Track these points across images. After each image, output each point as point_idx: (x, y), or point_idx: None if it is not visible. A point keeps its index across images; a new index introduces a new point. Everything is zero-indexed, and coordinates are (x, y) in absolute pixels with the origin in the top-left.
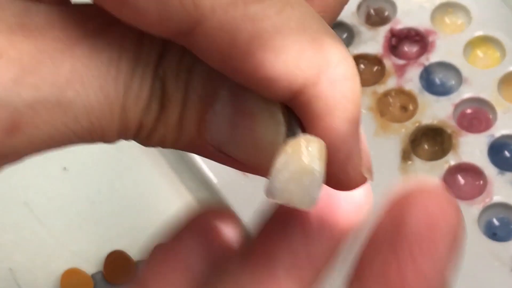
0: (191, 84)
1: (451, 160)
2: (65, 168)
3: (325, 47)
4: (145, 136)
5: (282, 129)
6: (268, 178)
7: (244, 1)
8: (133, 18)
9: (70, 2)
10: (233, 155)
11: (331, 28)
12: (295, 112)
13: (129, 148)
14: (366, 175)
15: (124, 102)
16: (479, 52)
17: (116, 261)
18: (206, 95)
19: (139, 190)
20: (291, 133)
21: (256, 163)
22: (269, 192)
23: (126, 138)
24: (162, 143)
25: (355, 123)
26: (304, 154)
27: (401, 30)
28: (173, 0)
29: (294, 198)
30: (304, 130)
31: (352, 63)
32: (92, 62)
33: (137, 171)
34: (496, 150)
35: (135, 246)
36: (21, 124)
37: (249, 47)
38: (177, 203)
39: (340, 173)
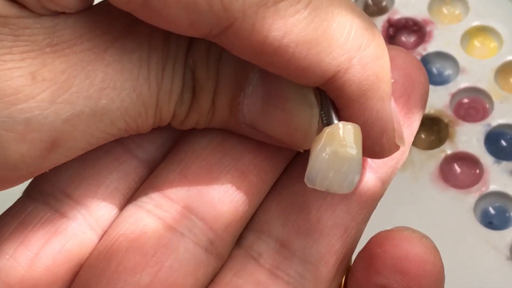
0: (221, 71)
1: (447, 149)
2: None
3: (355, 31)
4: (179, 123)
5: (316, 110)
6: (306, 166)
7: (274, 0)
8: (164, 25)
9: (92, 4)
10: (267, 132)
11: (358, 7)
12: (328, 95)
13: None
14: (399, 143)
15: (157, 99)
16: (476, 42)
17: None
18: (237, 80)
19: None
20: (325, 114)
21: (289, 140)
22: (309, 180)
23: (160, 126)
24: (196, 126)
25: (388, 99)
26: (341, 141)
27: (399, 20)
28: (203, 6)
29: (334, 185)
30: (337, 110)
31: (381, 40)
32: (123, 65)
33: None
34: (492, 139)
35: None
36: (60, 140)
37: (281, 43)
38: None
39: (375, 146)
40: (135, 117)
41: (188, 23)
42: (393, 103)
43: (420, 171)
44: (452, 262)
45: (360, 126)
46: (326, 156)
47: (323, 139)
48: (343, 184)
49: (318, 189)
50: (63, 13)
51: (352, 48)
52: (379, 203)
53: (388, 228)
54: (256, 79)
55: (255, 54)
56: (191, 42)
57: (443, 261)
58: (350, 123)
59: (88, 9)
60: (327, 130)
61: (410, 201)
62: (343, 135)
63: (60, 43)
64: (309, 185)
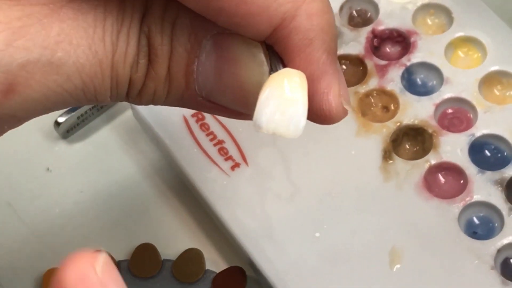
0: (175, 37)
1: (432, 159)
2: (48, 169)
3: None
4: (137, 93)
5: (265, 69)
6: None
7: None
8: None
9: None
10: (222, 103)
11: None
12: (276, 51)
13: (111, 148)
14: (346, 106)
15: (112, 60)
16: (460, 53)
17: None
18: (191, 46)
19: (122, 191)
20: (274, 72)
21: (244, 107)
22: (256, 124)
23: (119, 97)
24: (153, 99)
25: (333, 54)
26: (286, 85)
27: (383, 31)
28: None
29: (280, 127)
30: (286, 67)
31: (327, 1)
32: (79, 23)
33: (119, 172)
34: (476, 150)
35: (117, 246)
36: (16, 85)
37: None
38: (159, 204)
39: (323, 103)
40: (91, 76)
41: None
42: (339, 66)
43: (404, 181)
44: (436, 271)
45: (307, 78)
46: (272, 100)
47: (268, 84)
48: (289, 126)
49: (265, 132)
50: None
51: None
52: (363, 213)
53: (374, 237)
54: (209, 45)
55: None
56: (146, 10)
57: (428, 271)
58: (296, 70)
59: None
60: (273, 75)
61: (395, 211)
62: (288, 79)
63: None
64: (256, 130)
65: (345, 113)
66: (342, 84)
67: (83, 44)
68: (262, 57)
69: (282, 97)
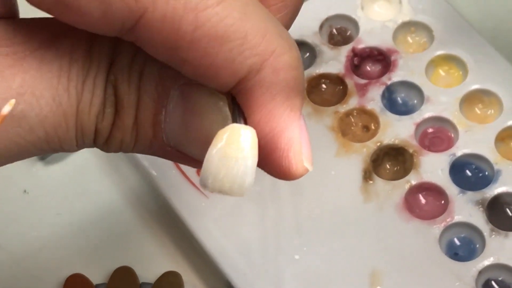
0: (143, 87)
1: (412, 179)
2: (25, 191)
3: (270, 36)
4: (103, 142)
5: (229, 123)
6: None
7: None
8: (77, 20)
9: (17, 16)
10: (189, 153)
11: (274, 18)
12: (239, 104)
13: (89, 170)
14: (306, 165)
15: (77, 110)
16: (441, 71)
17: (76, 285)
18: (158, 96)
19: (100, 213)
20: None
21: None
22: (201, 183)
23: (85, 145)
24: (121, 148)
25: (297, 110)
26: (233, 142)
27: (364, 49)
28: None
29: (224, 186)
30: (246, 120)
31: (297, 53)
32: (42, 74)
33: (98, 194)
34: (457, 169)
35: (94, 270)
36: None
37: (193, 36)
38: (137, 226)
39: (282, 160)
40: (55, 127)
41: (100, 13)
42: (303, 123)
43: (385, 202)
44: None
45: (267, 134)
46: (216, 157)
47: (215, 141)
48: (234, 186)
49: (211, 192)
50: None
51: (265, 51)
52: (343, 235)
53: (354, 259)
54: (177, 96)
55: (170, 49)
56: (113, 59)
57: None
58: (245, 125)
59: (10, 19)
60: (220, 131)
61: (375, 232)
62: (235, 136)
63: None
64: (202, 188)
65: (305, 171)
66: (304, 142)
67: (46, 96)
68: (227, 111)
69: (227, 154)
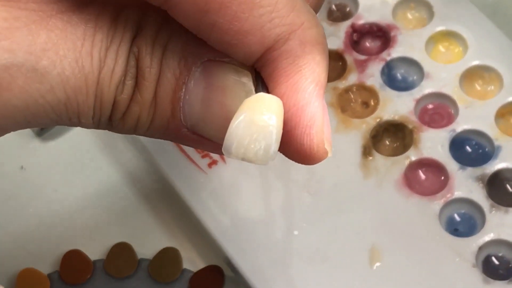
0: (165, 61)
1: (412, 155)
2: (22, 167)
3: (299, 9)
4: (120, 117)
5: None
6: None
7: None
8: None
9: None
10: (206, 135)
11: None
12: (264, 79)
13: (87, 146)
14: (327, 148)
15: (99, 77)
16: (441, 47)
17: (73, 261)
18: (180, 72)
19: (97, 189)
20: None
21: None
22: (225, 149)
23: (102, 119)
24: (137, 125)
25: (322, 87)
26: (259, 109)
27: (363, 25)
28: None
29: (249, 154)
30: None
31: (323, 30)
32: (67, 35)
33: (95, 170)
34: (457, 145)
35: (92, 246)
36: None
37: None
38: (135, 202)
39: (304, 138)
40: (76, 91)
41: None
42: (325, 103)
43: (384, 178)
44: (417, 269)
45: (291, 108)
46: (242, 124)
47: (242, 108)
48: (258, 153)
49: (234, 158)
50: None
51: (294, 22)
52: (342, 211)
53: (354, 235)
54: (199, 72)
55: (200, 12)
56: (138, 31)
57: (408, 269)
58: (271, 94)
59: None
60: (247, 99)
61: (375, 208)
62: (261, 104)
63: None
64: (225, 155)
65: (325, 154)
66: (326, 122)
67: (70, 56)
68: (251, 85)
69: (253, 122)
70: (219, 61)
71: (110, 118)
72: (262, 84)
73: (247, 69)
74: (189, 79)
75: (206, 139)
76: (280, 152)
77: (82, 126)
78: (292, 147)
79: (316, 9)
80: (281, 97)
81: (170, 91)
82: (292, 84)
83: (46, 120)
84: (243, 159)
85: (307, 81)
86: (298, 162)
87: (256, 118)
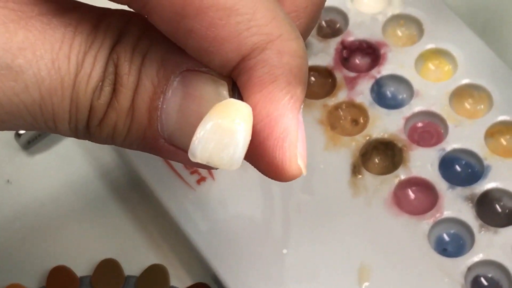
0: (144, 69)
1: (401, 174)
2: (8, 181)
3: (279, 20)
4: (97, 123)
5: None
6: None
7: None
8: None
9: None
10: (182, 145)
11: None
12: (239, 88)
13: (74, 160)
14: (300, 164)
15: (75, 80)
16: (431, 65)
17: (60, 277)
18: (158, 81)
19: (84, 205)
20: None
21: None
22: (191, 152)
23: (78, 125)
24: (114, 133)
25: (298, 101)
26: (226, 114)
27: (353, 42)
28: None
29: (214, 157)
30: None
31: (303, 44)
32: (45, 36)
33: (82, 185)
34: (447, 164)
35: (79, 261)
36: None
37: (202, 4)
38: (123, 216)
39: (276, 150)
40: (51, 92)
41: None
42: (301, 119)
43: (373, 197)
44: None
45: (264, 119)
46: (209, 127)
47: (210, 113)
48: (224, 157)
49: (199, 162)
50: None
51: (272, 32)
52: (331, 229)
53: (342, 254)
54: (177, 82)
55: (177, 16)
56: (118, 38)
57: None
58: (240, 101)
59: None
60: (217, 104)
61: (364, 227)
62: (230, 109)
63: None
64: (191, 158)
65: (298, 170)
66: (301, 137)
67: (46, 57)
68: (227, 96)
69: (220, 125)
70: (197, 71)
71: (87, 124)
72: (239, 94)
73: (224, 79)
74: (167, 88)
75: (182, 150)
76: (252, 165)
77: (59, 133)
78: (264, 160)
79: (308, 25)
80: (254, 107)
81: (148, 99)
82: (266, 93)
83: (21, 121)
84: (208, 163)
85: (282, 92)
86: (270, 177)
87: (224, 122)
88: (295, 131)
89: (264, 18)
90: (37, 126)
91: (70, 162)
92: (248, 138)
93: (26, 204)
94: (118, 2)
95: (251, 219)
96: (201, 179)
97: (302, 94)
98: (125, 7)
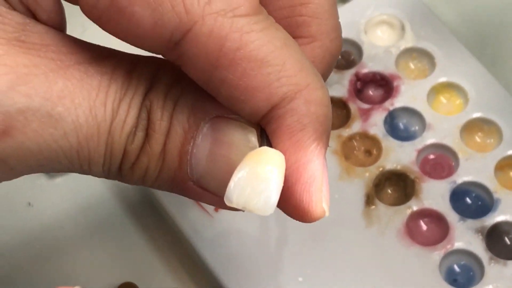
0: (175, 116)
1: (413, 205)
2: (29, 204)
3: (306, 70)
4: (129, 166)
5: None
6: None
7: (233, 12)
8: (128, 28)
9: (65, 31)
10: (211, 188)
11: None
12: (268, 135)
13: (93, 184)
14: (325, 207)
15: (111, 126)
16: (443, 99)
17: None
18: (189, 127)
19: (104, 228)
20: None
21: None
22: (227, 197)
23: (111, 168)
24: (145, 176)
25: (323, 147)
26: (262, 161)
27: (366, 74)
28: (166, 7)
29: (250, 203)
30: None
31: (328, 93)
32: (83, 85)
33: (101, 208)
34: (458, 197)
35: (98, 285)
36: (12, 129)
37: (235, 56)
38: (141, 240)
39: (303, 194)
40: (87, 138)
41: (151, 22)
42: (326, 163)
43: (386, 227)
44: None
45: (292, 164)
46: (245, 174)
47: (245, 160)
48: (259, 203)
49: (235, 206)
50: (34, 18)
51: (300, 82)
52: (345, 258)
53: (356, 282)
54: (207, 128)
55: (211, 67)
56: (151, 85)
57: None
58: (274, 149)
59: (59, 31)
60: (252, 152)
61: (377, 257)
62: (264, 156)
63: (27, 42)
64: (227, 203)
65: (322, 212)
66: (325, 181)
67: (84, 105)
68: (256, 142)
69: (255, 173)
70: (227, 118)
71: (119, 167)
72: (267, 140)
73: (252, 126)
74: (197, 133)
75: (210, 192)
76: (279, 207)
77: (92, 174)
78: (291, 203)
79: (325, 74)
80: (284, 153)
81: (179, 144)
82: (295, 141)
83: (58, 165)
84: (243, 208)
85: (309, 139)
86: (296, 219)
87: (259, 170)
88: (321, 176)
89: (293, 69)
90: (72, 168)
91: (89, 186)
92: (281, 184)
93: (46, 226)
94: (153, 52)
95: (268, 247)
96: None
97: (327, 140)
98: (159, 56)
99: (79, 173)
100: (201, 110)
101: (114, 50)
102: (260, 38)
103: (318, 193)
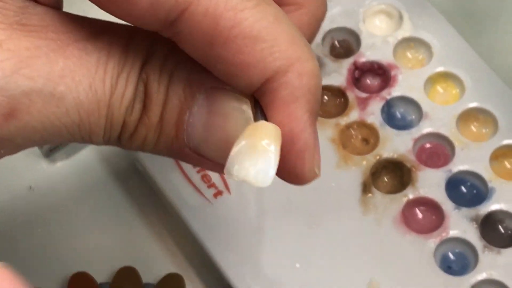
0: (172, 88)
1: (409, 194)
2: (30, 188)
3: (297, 43)
4: (128, 137)
5: (251, 122)
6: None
7: None
8: (125, 8)
9: (61, 9)
10: (208, 155)
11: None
12: (263, 107)
13: (94, 169)
14: (316, 171)
15: (110, 100)
16: (439, 88)
17: (80, 283)
18: (185, 98)
19: (105, 213)
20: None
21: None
22: (227, 170)
23: (111, 138)
24: (143, 145)
25: (314, 117)
26: (259, 136)
27: (364, 63)
28: None
29: (249, 176)
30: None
31: (317, 63)
32: (82, 62)
33: (102, 193)
34: (453, 186)
35: (99, 268)
36: (17, 111)
37: (230, 33)
38: (141, 225)
39: (297, 162)
40: (88, 113)
41: (148, 2)
42: (317, 130)
43: (383, 215)
44: None
45: (286, 134)
46: (244, 148)
47: (244, 134)
48: (258, 176)
49: (235, 179)
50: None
51: (292, 56)
52: (342, 245)
53: (353, 269)
54: (202, 98)
55: (206, 45)
56: (147, 58)
57: None
58: (271, 123)
59: (57, 10)
60: (249, 126)
61: (373, 245)
62: (262, 131)
63: (27, 25)
64: (227, 176)
65: (314, 176)
66: (316, 147)
67: (84, 82)
68: (250, 113)
69: (254, 147)
70: (222, 89)
71: (119, 137)
72: (261, 111)
73: (246, 97)
74: (193, 104)
75: (207, 158)
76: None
77: (93, 144)
78: (286, 169)
79: (311, 39)
80: (278, 124)
81: (175, 114)
82: (288, 113)
83: (61, 139)
84: (243, 181)
85: (302, 111)
86: (289, 183)
87: (257, 143)
88: (313, 144)
89: (285, 43)
90: (73, 140)
91: (90, 170)
92: (278, 157)
93: (48, 210)
94: (150, 29)
95: (266, 233)
96: (218, 193)
97: (318, 108)
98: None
99: (80, 142)
100: (196, 81)
101: (109, 22)
102: (253, 15)
103: (311, 159)
